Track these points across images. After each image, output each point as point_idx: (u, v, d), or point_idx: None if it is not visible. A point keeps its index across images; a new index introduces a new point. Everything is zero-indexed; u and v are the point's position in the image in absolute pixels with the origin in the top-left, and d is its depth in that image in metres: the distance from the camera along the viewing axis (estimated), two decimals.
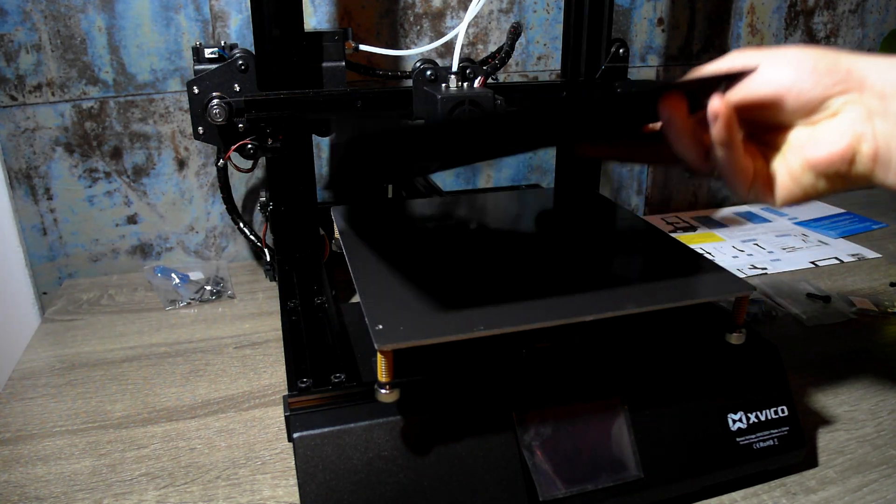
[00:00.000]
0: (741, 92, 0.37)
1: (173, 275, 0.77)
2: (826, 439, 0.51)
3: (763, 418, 0.46)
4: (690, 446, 0.44)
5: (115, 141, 0.77)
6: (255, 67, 0.59)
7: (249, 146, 0.61)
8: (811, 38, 1.01)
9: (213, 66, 0.59)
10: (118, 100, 0.76)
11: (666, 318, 0.50)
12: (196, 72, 0.60)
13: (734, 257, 0.83)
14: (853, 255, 0.84)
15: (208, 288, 0.74)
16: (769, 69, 0.37)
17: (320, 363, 0.46)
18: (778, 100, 0.37)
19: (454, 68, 0.58)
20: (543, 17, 0.87)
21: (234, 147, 0.61)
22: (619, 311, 0.40)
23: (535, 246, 0.51)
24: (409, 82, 0.62)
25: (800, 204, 0.40)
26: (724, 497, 0.45)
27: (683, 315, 0.51)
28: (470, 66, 0.59)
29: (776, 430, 0.46)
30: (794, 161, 0.38)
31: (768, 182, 0.40)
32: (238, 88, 0.59)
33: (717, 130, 0.37)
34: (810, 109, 0.37)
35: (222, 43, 0.66)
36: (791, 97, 0.37)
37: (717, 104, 0.36)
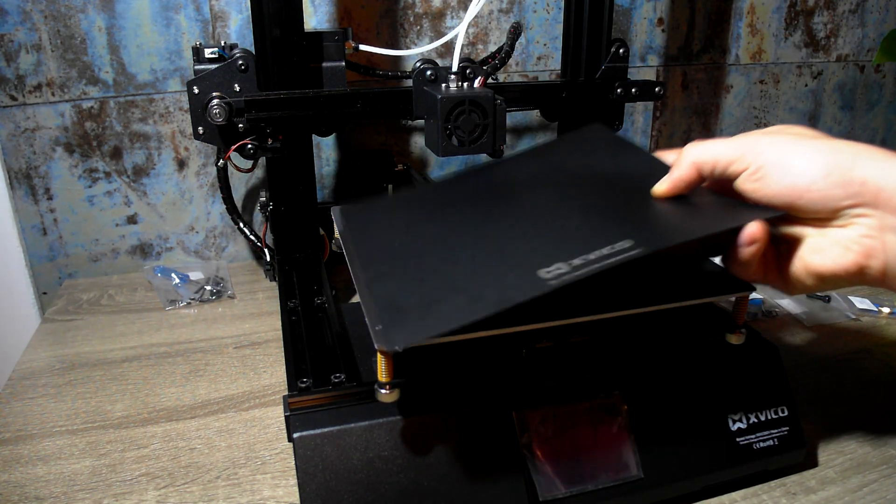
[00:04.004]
0: (762, 195, 0.37)
1: (173, 275, 0.77)
2: (826, 439, 0.51)
3: (763, 418, 0.46)
4: (690, 446, 0.44)
5: (115, 141, 0.77)
6: (255, 67, 0.59)
7: (249, 146, 0.61)
8: (811, 38, 1.01)
9: (213, 66, 0.59)
10: (118, 100, 0.76)
11: (666, 318, 0.50)
12: (196, 72, 0.60)
13: None
14: None
15: (208, 288, 0.74)
16: (786, 170, 0.36)
17: (320, 363, 0.46)
18: (791, 203, 0.36)
19: (454, 68, 0.58)
20: (543, 17, 0.87)
21: (234, 147, 0.61)
22: (619, 311, 0.40)
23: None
24: (409, 82, 0.62)
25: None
26: (724, 497, 0.45)
27: (683, 315, 0.51)
28: (470, 66, 0.59)
29: (776, 431, 0.46)
30: (800, 265, 0.38)
31: (780, 277, 0.39)
32: (238, 88, 0.60)
33: (751, 251, 0.37)
34: (820, 217, 0.36)
35: (222, 43, 0.66)
36: (802, 202, 0.36)
37: (756, 230, 0.36)
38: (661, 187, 0.41)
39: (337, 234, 0.51)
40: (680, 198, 0.41)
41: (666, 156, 0.44)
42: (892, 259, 0.35)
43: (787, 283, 0.39)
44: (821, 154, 0.35)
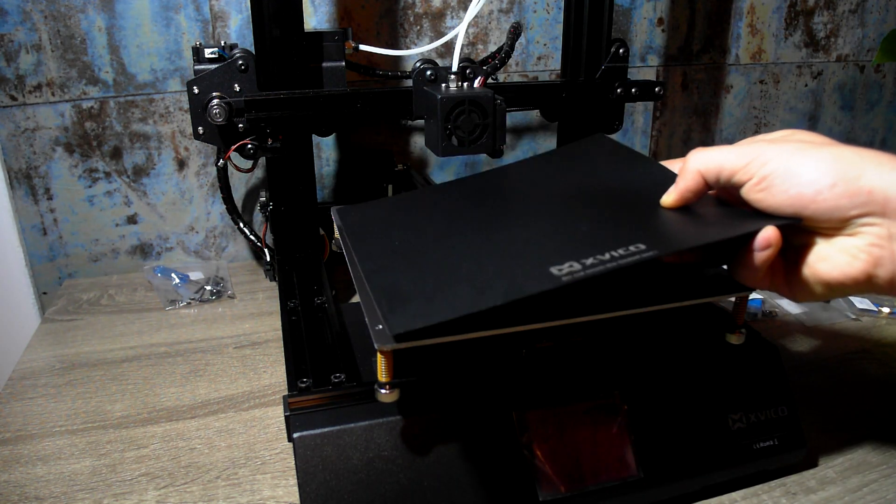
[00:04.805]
0: (768, 204, 0.37)
1: (173, 275, 0.77)
2: (826, 439, 0.51)
3: (763, 418, 0.46)
4: (690, 446, 0.44)
5: (115, 141, 0.77)
6: (255, 67, 0.59)
7: (249, 146, 0.61)
8: (811, 38, 1.01)
9: (213, 66, 0.59)
10: (118, 100, 0.76)
11: (666, 318, 0.50)
12: (196, 72, 0.60)
13: None
14: None
15: (208, 288, 0.74)
16: (791, 180, 0.35)
17: (320, 363, 0.46)
18: (798, 213, 0.36)
19: (454, 68, 0.58)
20: (543, 17, 0.87)
21: (234, 147, 0.61)
22: (619, 311, 0.40)
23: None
24: (409, 82, 0.62)
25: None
26: (724, 497, 0.45)
27: (683, 315, 0.51)
28: (470, 66, 0.59)
29: (776, 430, 0.46)
30: (808, 273, 0.37)
31: (786, 285, 0.39)
32: (238, 88, 0.60)
33: (765, 256, 0.36)
34: (828, 226, 0.36)
35: (222, 43, 0.66)
36: (809, 212, 0.35)
37: (771, 235, 0.36)
38: (669, 198, 0.41)
39: (337, 235, 0.51)
40: (689, 208, 0.41)
41: (673, 165, 0.43)
42: None
43: (793, 291, 0.39)
44: (826, 163, 0.35)
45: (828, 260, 0.36)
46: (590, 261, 0.35)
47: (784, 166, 0.36)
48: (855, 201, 0.34)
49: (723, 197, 0.41)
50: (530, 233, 0.41)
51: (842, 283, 0.36)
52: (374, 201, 0.50)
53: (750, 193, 0.37)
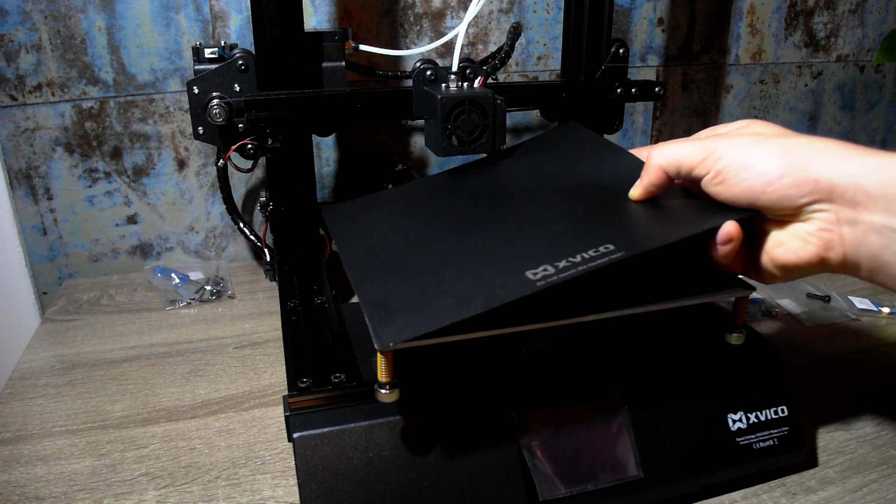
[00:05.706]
0: (725, 196, 0.39)
1: (173, 275, 0.77)
2: (826, 439, 0.51)
3: (763, 418, 0.46)
4: (690, 446, 0.44)
5: (115, 141, 0.77)
6: (255, 67, 0.59)
7: (249, 146, 0.61)
8: (811, 38, 1.01)
9: (213, 66, 0.59)
10: (118, 100, 0.76)
11: (666, 318, 0.50)
12: (196, 72, 0.60)
13: None
14: None
15: (208, 288, 0.74)
16: (743, 173, 0.38)
17: (320, 363, 0.46)
18: (752, 203, 0.38)
19: (454, 68, 0.58)
20: (543, 17, 0.87)
21: (234, 147, 0.61)
22: (619, 311, 0.40)
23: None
24: (409, 82, 0.62)
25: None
26: (724, 497, 0.45)
27: (683, 315, 0.51)
28: (470, 66, 0.59)
29: (776, 430, 0.46)
30: (766, 258, 0.40)
31: (753, 269, 0.41)
32: (238, 88, 0.60)
33: (728, 249, 0.39)
34: (781, 214, 0.38)
35: (222, 43, 0.66)
36: (761, 202, 0.38)
37: (731, 230, 0.38)
38: (636, 192, 0.43)
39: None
40: (656, 200, 0.43)
41: (641, 153, 0.46)
42: (850, 250, 0.37)
43: (760, 275, 0.41)
44: (776, 155, 0.37)
45: (783, 245, 0.39)
46: (562, 264, 0.37)
47: (737, 160, 0.38)
48: (803, 189, 0.36)
49: (688, 187, 0.43)
50: (508, 233, 0.43)
51: (797, 266, 0.38)
52: (359, 199, 0.51)
53: (709, 187, 0.40)
